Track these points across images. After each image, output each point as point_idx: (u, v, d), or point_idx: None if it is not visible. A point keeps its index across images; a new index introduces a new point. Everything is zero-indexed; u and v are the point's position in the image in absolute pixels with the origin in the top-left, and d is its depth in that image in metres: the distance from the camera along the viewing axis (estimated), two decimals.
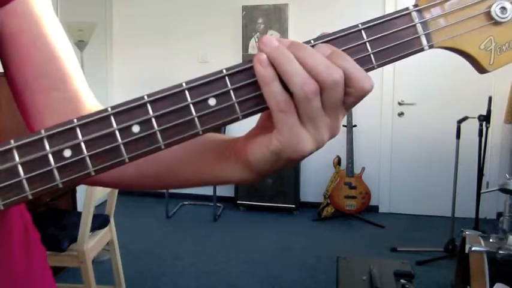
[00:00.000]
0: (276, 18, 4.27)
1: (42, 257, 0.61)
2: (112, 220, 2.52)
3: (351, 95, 0.39)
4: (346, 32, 0.41)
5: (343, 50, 0.40)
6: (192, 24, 4.51)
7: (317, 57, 0.38)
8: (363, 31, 0.41)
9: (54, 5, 3.91)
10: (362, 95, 0.39)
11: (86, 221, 2.15)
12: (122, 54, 4.71)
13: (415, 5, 0.41)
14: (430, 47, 0.41)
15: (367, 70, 0.41)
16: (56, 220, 2.40)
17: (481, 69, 0.43)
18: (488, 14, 0.41)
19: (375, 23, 0.41)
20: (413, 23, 0.41)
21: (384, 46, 0.41)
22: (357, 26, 0.41)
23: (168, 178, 0.52)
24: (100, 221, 2.40)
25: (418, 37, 0.41)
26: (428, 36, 0.41)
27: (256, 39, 4.34)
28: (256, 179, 0.45)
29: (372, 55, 0.40)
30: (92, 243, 2.23)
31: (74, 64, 0.56)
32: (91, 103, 0.57)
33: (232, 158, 0.45)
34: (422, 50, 0.41)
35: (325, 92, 0.38)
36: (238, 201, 4.27)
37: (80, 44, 3.75)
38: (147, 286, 2.86)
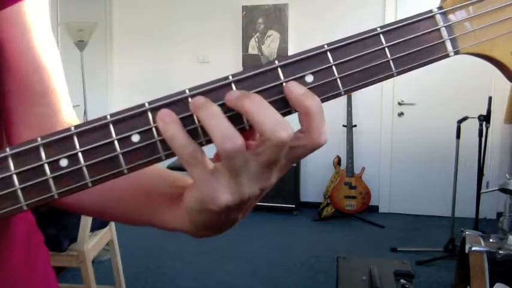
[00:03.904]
0: (276, 18, 4.27)
1: (46, 259, 0.61)
2: None
3: (300, 147, 0.36)
4: (363, 36, 0.37)
5: (359, 56, 0.37)
6: (192, 24, 4.51)
7: (265, 112, 0.34)
8: (381, 35, 0.37)
9: (54, 5, 3.93)
10: (314, 147, 0.36)
11: (86, 221, 2.15)
12: (122, 54, 4.71)
13: (440, 7, 0.38)
14: (456, 53, 0.38)
15: (386, 78, 0.38)
16: (56, 220, 2.40)
17: None
18: None
19: (395, 26, 0.37)
20: (437, 27, 0.38)
21: (405, 52, 0.37)
22: (375, 29, 0.37)
23: (111, 213, 0.52)
24: (100, 221, 2.40)
25: (443, 42, 0.38)
26: (453, 41, 0.38)
27: (256, 39, 4.35)
28: (194, 231, 0.43)
29: (391, 61, 0.37)
30: (92, 243, 2.23)
31: (59, 79, 0.55)
32: (70, 121, 0.55)
33: (178, 203, 0.44)
34: (447, 56, 0.38)
35: (266, 150, 0.35)
36: None
37: (80, 44, 3.75)
38: (147, 286, 2.86)
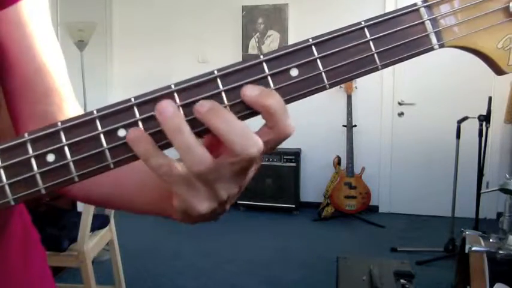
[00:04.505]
0: (276, 18, 4.27)
1: (42, 258, 0.61)
2: (112, 220, 2.51)
3: (269, 141, 0.36)
4: (347, 30, 0.37)
5: (343, 50, 0.37)
6: (192, 24, 4.51)
7: (234, 126, 0.34)
8: (366, 29, 0.37)
9: (54, 5, 3.94)
10: (282, 139, 0.36)
11: (86, 221, 2.15)
12: (121, 54, 4.71)
13: (424, 1, 0.38)
14: (441, 46, 0.38)
15: (371, 71, 0.38)
16: (56, 220, 2.40)
17: (499, 70, 0.39)
18: (506, 10, 0.38)
19: (380, 20, 0.38)
20: (421, 20, 0.37)
21: (389, 45, 0.37)
22: (359, 23, 0.38)
23: (119, 203, 0.53)
24: (100, 221, 2.40)
25: (427, 35, 0.38)
26: (438, 34, 0.38)
27: (256, 39, 4.34)
28: (191, 221, 0.44)
29: (375, 55, 0.37)
30: (92, 243, 2.23)
31: (61, 77, 0.55)
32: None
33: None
34: (431, 49, 0.38)
35: (239, 162, 0.35)
36: (238, 201, 4.26)
37: (80, 44, 3.76)
38: (147, 286, 2.86)
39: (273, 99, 0.35)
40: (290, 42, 4.46)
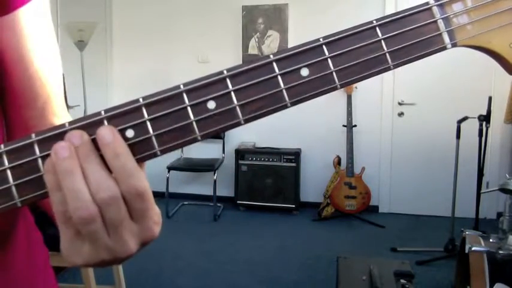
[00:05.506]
0: (276, 18, 4.27)
1: (45, 257, 0.61)
2: None
3: (127, 202, 0.35)
4: (359, 29, 0.37)
5: (355, 49, 0.37)
6: (192, 24, 4.51)
7: (91, 175, 0.34)
8: (377, 28, 0.37)
9: (54, 5, 3.94)
10: (136, 197, 0.35)
11: None
12: (121, 54, 4.71)
13: None
14: (453, 45, 0.38)
15: (383, 71, 0.37)
16: None
17: (511, 69, 0.39)
18: None
19: (391, 19, 0.37)
20: (434, 19, 0.37)
21: (401, 44, 0.37)
22: (371, 22, 0.37)
23: None
24: None
25: (440, 34, 0.37)
26: (451, 33, 0.37)
27: (256, 39, 4.34)
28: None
29: (387, 54, 0.37)
30: None
31: (54, 84, 0.55)
32: (57, 123, 0.55)
33: None
34: (444, 48, 0.38)
35: (102, 212, 0.35)
36: (238, 201, 4.26)
37: (80, 44, 3.76)
38: (147, 286, 2.86)
39: (114, 160, 0.35)
40: (290, 43, 4.46)
